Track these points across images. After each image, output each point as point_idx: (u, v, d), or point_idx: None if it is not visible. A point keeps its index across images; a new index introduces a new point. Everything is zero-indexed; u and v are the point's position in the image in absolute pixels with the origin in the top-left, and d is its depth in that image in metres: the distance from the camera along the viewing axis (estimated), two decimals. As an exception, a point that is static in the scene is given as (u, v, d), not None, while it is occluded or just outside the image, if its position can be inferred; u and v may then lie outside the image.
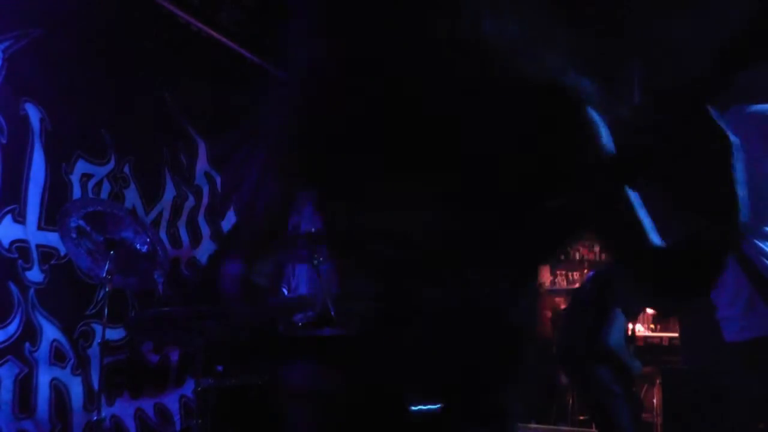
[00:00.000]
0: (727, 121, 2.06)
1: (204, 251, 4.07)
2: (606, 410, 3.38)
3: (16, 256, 2.95)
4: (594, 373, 3.37)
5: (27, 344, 2.95)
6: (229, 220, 4.31)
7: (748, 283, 1.91)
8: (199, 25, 3.94)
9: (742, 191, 1.08)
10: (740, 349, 1.99)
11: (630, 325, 3.81)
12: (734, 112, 2.04)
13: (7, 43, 2.93)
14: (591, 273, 3.95)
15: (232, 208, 4.35)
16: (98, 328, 3.16)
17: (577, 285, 7.40)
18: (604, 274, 3.72)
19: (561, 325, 3.81)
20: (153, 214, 3.74)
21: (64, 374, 3.10)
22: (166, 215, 3.84)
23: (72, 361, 3.14)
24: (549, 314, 7.03)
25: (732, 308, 1.98)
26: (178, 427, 3.67)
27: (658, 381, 5.03)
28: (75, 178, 3.24)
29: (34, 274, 3.01)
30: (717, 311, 2.09)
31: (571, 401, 6.39)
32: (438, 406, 1.02)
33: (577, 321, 3.64)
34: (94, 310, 3.25)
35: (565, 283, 8.21)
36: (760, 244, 1.89)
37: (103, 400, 2.77)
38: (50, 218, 3.03)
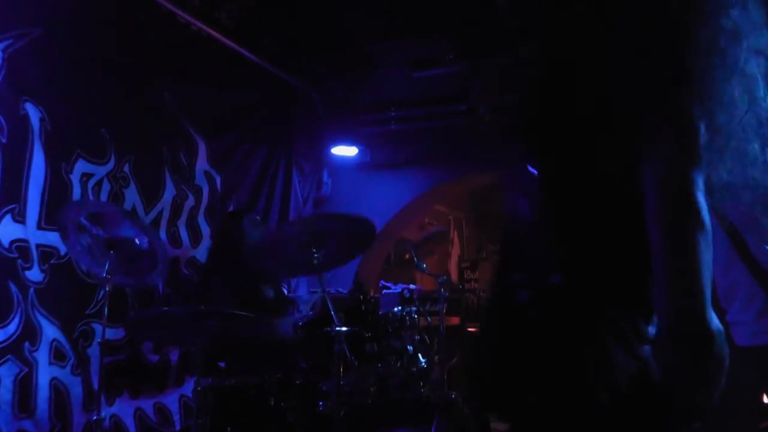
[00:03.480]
0: None
1: (204, 251, 4.07)
2: None
3: (16, 255, 2.95)
4: None
5: (27, 344, 2.94)
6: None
7: (761, 290, 1.90)
8: (199, 24, 3.94)
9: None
10: (752, 354, 1.98)
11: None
12: None
13: (7, 43, 2.92)
14: None
15: (231, 208, 4.35)
16: (98, 327, 3.16)
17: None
18: None
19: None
20: (153, 213, 3.74)
21: (64, 374, 3.10)
22: (166, 215, 3.84)
23: (72, 361, 3.14)
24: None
25: (744, 313, 1.97)
26: (177, 426, 3.67)
27: (657, 381, 5.03)
28: (75, 177, 3.24)
29: (34, 274, 3.01)
30: (726, 315, 2.08)
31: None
32: None
33: None
34: (94, 310, 3.25)
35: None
36: None
37: (102, 400, 2.76)
38: (50, 218, 3.03)
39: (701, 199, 0.96)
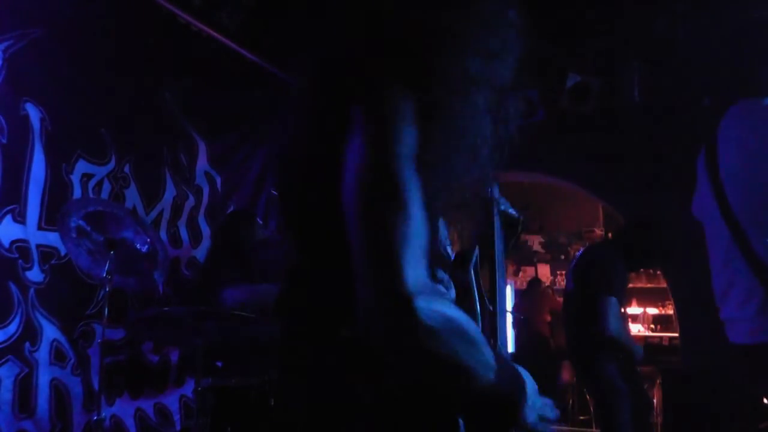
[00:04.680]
0: (739, 114, 2.04)
1: (204, 251, 4.07)
2: (608, 406, 3.38)
3: (16, 256, 2.95)
4: (601, 369, 3.37)
5: (27, 344, 2.94)
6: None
7: (761, 286, 1.86)
8: (199, 25, 3.94)
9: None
10: (748, 352, 1.95)
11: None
12: (747, 105, 2.01)
13: (7, 43, 2.92)
14: (569, 268, 3.92)
15: (231, 208, 4.35)
16: (98, 328, 3.16)
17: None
18: (579, 267, 3.68)
19: (564, 323, 3.81)
20: (153, 213, 3.74)
21: (64, 374, 3.10)
22: (166, 215, 3.84)
23: (72, 361, 3.14)
24: (548, 318, 7.04)
25: (742, 310, 1.93)
26: (178, 427, 3.67)
27: (658, 381, 5.03)
28: (75, 178, 3.24)
29: (34, 274, 3.01)
30: (721, 312, 2.06)
31: (571, 401, 6.39)
32: None
33: (572, 317, 3.63)
34: (94, 310, 3.25)
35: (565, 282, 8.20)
36: None
37: (103, 400, 2.76)
38: (50, 218, 3.03)
39: (402, 175, 0.86)
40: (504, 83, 1.00)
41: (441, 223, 1.07)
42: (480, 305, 1.09)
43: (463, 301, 1.07)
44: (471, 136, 0.99)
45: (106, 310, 2.78)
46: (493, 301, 1.15)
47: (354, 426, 0.93)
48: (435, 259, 0.98)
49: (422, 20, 0.94)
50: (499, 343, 1.11)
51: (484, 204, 1.33)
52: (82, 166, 3.28)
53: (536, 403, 1.01)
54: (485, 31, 0.97)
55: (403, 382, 0.90)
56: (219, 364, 3.03)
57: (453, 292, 1.07)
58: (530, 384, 1.02)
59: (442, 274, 1.04)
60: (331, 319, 0.94)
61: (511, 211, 1.45)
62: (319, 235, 0.98)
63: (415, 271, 0.81)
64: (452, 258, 1.13)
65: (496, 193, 1.39)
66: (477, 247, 1.15)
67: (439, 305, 0.82)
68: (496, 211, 1.35)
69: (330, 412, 0.95)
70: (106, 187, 3.42)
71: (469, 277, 1.11)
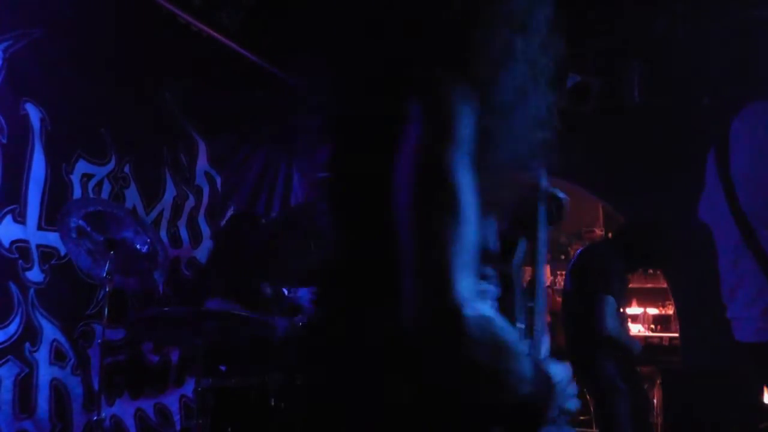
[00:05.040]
0: (753, 115, 2.04)
1: (204, 251, 4.07)
2: (608, 406, 3.39)
3: (16, 256, 2.95)
4: (600, 369, 3.37)
5: (27, 344, 2.94)
6: (229, 220, 4.28)
7: None
8: (200, 25, 3.94)
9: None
10: (754, 351, 1.96)
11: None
12: (760, 107, 2.01)
13: (7, 43, 2.92)
14: (567, 267, 3.92)
15: (232, 208, 4.36)
16: (98, 328, 3.16)
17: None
18: (577, 266, 3.69)
19: (563, 323, 3.81)
20: (153, 213, 3.74)
21: (64, 374, 3.10)
22: (166, 215, 3.84)
23: (72, 361, 3.14)
24: (548, 318, 7.04)
25: (750, 309, 1.93)
26: (178, 427, 3.67)
27: (658, 381, 5.03)
28: (75, 178, 3.24)
29: (34, 274, 3.01)
30: (728, 310, 2.06)
31: (571, 401, 6.37)
32: None
33: (571, 317, 3.64)
34: (94, 310, 3.25)
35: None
36: None
37: (103, 400, 2.76)
38: (50, 218, 3.03)
39: (459, 177, 0.83)
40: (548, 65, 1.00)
41: (490, 217, 1.04)
42: (520, 301, 1.08)
43: (504, 296, 1.04)
44: (520, 125, 0.98)
45: (106, 310, 2.78)
46: (532, 297, 1.12)
47: (389, 426, 0.91)
48: (483, 255, 0.96)
49: (467, 10, 0.92)
50: (534, 341, 1.08)
51: (532, 193, 1.29)
52: (82, 166, 3.28)
53: (560, 399, 0.97)
54: (527, 14, 0.98)
55: (439, 387, 0.87)
56: (222, 368, 3.03)
57: (498, 288, 1.05)
58: (562, 374, 0.98)
59: (488, 270, 1.01)
60: (373, 316, 0.91)
61: (558, 193, 1.42)
62: (365, 228, 0.95)
63: (465, 280, 0.79)
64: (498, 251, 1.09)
65: (545, 182, 1.34)
66: (522, 242, 1.13)
67: (484, 315, 0.81)
68: (542, 201, 1.30)
69: (366, 411, 0.92)
70: (106, 187, 3.42)
71: (513, 272, 1.09)
